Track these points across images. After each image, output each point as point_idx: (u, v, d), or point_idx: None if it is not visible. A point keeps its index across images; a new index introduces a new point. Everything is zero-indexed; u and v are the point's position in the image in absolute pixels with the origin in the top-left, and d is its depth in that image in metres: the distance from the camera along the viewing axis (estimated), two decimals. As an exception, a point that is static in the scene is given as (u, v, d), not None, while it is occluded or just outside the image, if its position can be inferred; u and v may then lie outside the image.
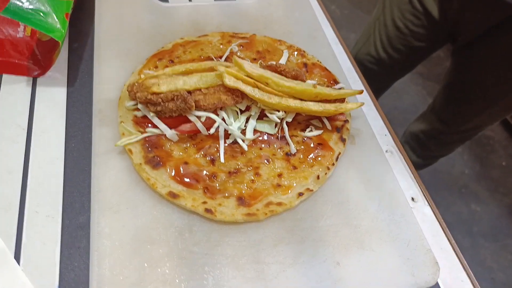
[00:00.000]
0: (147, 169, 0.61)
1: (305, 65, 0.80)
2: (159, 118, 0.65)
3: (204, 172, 0.62)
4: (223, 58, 0.77)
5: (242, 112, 0.67)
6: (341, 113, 0.71)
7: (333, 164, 0.67)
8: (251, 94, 0.63)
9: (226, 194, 0.61)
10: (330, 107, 0.67)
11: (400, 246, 0.61)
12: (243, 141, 0.66)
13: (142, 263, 0.55)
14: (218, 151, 0.65)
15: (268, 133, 0.68)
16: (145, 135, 0.64)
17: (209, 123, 0.65)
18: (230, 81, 0.62)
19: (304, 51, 0.83)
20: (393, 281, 0.58)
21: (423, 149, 1.59)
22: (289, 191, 0.63)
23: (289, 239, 0.59)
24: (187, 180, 0.61)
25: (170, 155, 0.64)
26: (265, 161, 0.65)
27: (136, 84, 0.65)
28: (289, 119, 0.68)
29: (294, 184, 0.63)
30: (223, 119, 0.65)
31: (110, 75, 0.74)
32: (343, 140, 0.70)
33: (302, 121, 0.71)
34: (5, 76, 0.72)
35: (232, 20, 0.89)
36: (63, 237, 0.57)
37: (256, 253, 0.58)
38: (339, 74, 0.81)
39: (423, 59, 1.37)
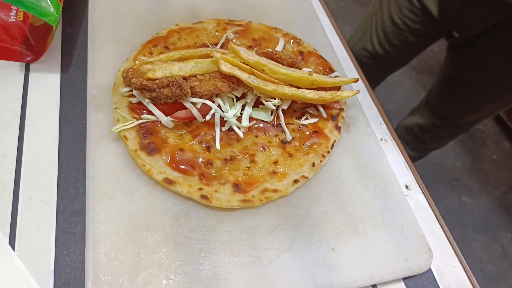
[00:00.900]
0: (143, 155, 0.61)
1: (301, 53, 0.80)
2: (154, 104, 0.64)
3: (200, 159, 0.62)
4: (219, 45, 0.76)
5: (238, 99, 0.67)
6: (337, 101, 0.71)
7: (328, 152, 0.67)
8: (247, 81, 0.63)
9: (222, 181, 0.61)
10: (326, 95, 0.67)
11: (394, 232, 0.62)
12: (238, 128, 0.66)
13: (138, 248, 0.55)
14: (213, 138, 0.65)
15: (264, 121, 0.68)
16: (140, 121, 0.64)
17: (204, 109, 0.64)
18: (226, 68, 0.62)
19: (300, 39, 0.82)
20: (387, 266, 0.59)
21: (417, 142, 1.59)
22: (285, 178, 0.63)
23: (284, 225, 0.60)
24: (182, 166, 0.61)
25: (166, 142, 0.63)
26: (261, 148, 0.65)
27: (131, 70, 0.64)
28: (285, 107, 0.68)
29: (290, 172, 0.64)
30: (219, 106, 0.65)
31: (105, 61, 0.73)
32: (338, 128, 0.70)
33: (297, 109, 0.71)
34: (-3, 61, 0.71)
35: (228, 6, 0.88)
36: (58, 222, 0.57)
37: (251, 239, 0.58)
38: (335, 63, 0.81)
39: (418, 54, 1.37)
